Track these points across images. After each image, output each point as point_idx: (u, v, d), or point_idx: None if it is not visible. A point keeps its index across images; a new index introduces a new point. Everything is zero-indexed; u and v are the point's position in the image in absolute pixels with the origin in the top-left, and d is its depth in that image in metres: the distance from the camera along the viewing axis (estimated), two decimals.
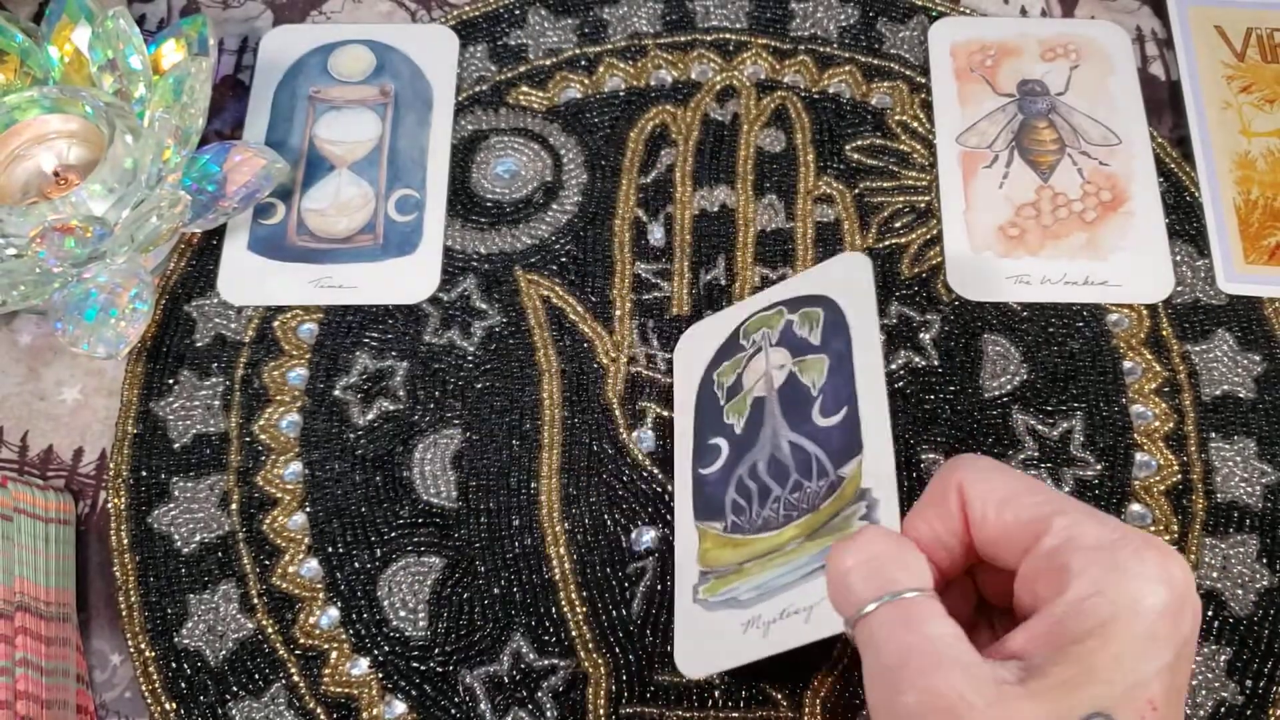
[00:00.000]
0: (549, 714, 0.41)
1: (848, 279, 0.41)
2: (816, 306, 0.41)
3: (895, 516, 0.34)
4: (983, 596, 0.33)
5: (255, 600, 0.43)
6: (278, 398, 0.46)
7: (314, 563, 0.43)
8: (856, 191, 0.50)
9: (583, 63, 0.54)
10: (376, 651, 0.42)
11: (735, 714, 0.41)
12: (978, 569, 0.32)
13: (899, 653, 0.27)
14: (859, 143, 0.51)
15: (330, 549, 0.44)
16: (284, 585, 0.43)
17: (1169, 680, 0.26)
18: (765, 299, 0.44)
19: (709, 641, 0.38)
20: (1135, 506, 0.44)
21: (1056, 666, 0.26)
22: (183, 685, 0.41)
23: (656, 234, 0.50)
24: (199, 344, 0.48)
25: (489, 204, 0.51)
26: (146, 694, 0.41)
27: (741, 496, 0.40)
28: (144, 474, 0.45)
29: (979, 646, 0.28)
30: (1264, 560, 0.43)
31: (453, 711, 0.41)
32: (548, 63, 0.54)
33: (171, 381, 0.47)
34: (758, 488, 0.39)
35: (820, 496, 0.37)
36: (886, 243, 0.49)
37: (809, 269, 0.43)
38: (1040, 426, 0.45)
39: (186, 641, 0.42)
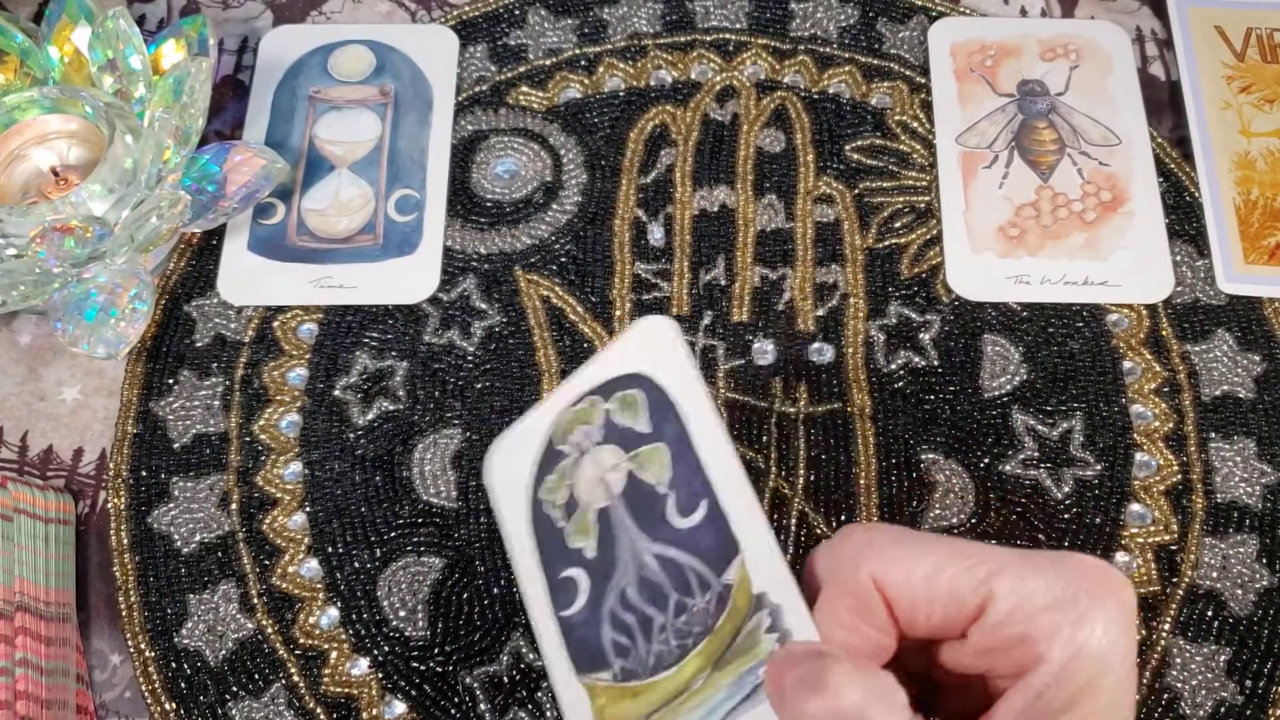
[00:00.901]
0: (549, 714, 0.41)
1: (655, 346, 0.34)
2: (632, 388, 0.34)
3: (806, 619, 0.29)
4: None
5: (255, 600, 0.43)
6: (278, 398, 0.46)
7: (314, 563, 0.43)
8: (856, 191, 0.50)
9: (583, 63, 0.54)
10: (376, 651, 0.42)
11: None
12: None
13: None
14: (859, 143, 0.51)
15: (330, 549, 0.44)
16: (284, 585, 0.43)
17: (1134, 697, 0.26)
18: (572, 391, 0.35)
19: None
20: (1135, 506, 0.44)
21: None
22: (183, 685, 0.42)
23: (656, 234, 0.50)
24: (199, 344, 0.48)
25: (489, 204, 0.51)
26: (146, 694, 0.41)
27: (621, 634, 0.33)
28: (144, 474, 0.45)
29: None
30: (1264, 560, 0.43)
31: (452, 712, 0.41)
32: (548, 63, 0.54)
33: (171, 381, 0.47)
34: (636, 619, 0.33)
35: (711, 614, 0.31)
36: (886, 243, 0.49)
37: (608, 344, 0.35)
38: (1040, 426, 0.45)
39: (186, 641, 0.42)
